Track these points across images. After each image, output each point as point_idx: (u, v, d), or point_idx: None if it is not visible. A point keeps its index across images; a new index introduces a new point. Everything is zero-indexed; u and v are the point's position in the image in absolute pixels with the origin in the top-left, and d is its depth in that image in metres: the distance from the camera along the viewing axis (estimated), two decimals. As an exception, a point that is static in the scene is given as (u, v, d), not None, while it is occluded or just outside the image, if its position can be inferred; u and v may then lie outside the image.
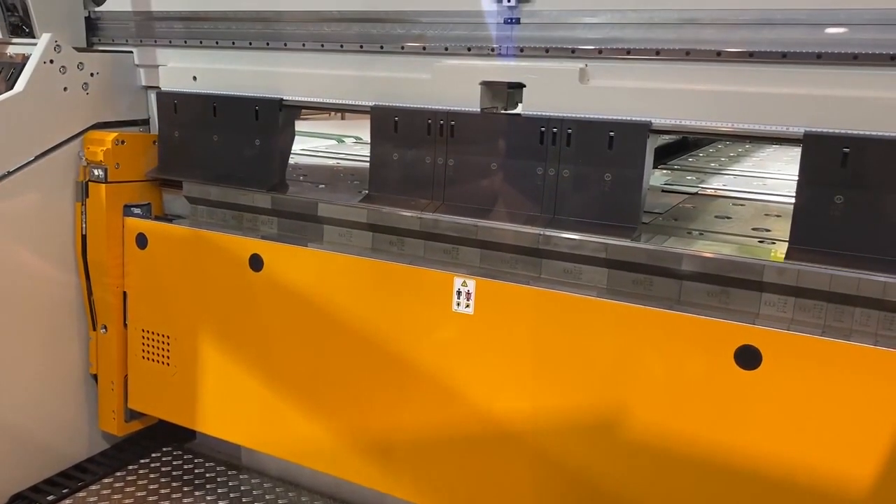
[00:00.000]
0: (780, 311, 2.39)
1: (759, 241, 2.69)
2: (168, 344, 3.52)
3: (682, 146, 5.45)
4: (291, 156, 4.38)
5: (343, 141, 5.39)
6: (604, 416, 2.58)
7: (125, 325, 3.62)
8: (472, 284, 2.75)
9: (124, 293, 3.61)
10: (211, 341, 3.39)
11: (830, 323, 2.32)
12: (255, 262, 3.20)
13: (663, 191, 3.64)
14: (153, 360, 3.57)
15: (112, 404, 3.67)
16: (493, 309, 2.73)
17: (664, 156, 4.88)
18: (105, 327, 3.61)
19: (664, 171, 4.31)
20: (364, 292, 2.98)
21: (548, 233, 2.69)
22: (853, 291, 2.25)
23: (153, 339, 3.56)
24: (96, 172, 3.48)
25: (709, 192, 3.67)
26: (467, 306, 2.77)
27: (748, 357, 2.32)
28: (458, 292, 2.78)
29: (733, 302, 2.46)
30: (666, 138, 5.46)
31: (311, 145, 5.11)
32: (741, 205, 3.36)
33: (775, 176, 4.15)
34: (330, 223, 3.17)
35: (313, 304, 3.09)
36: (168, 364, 3.52)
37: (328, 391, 3.12)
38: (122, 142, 3.52)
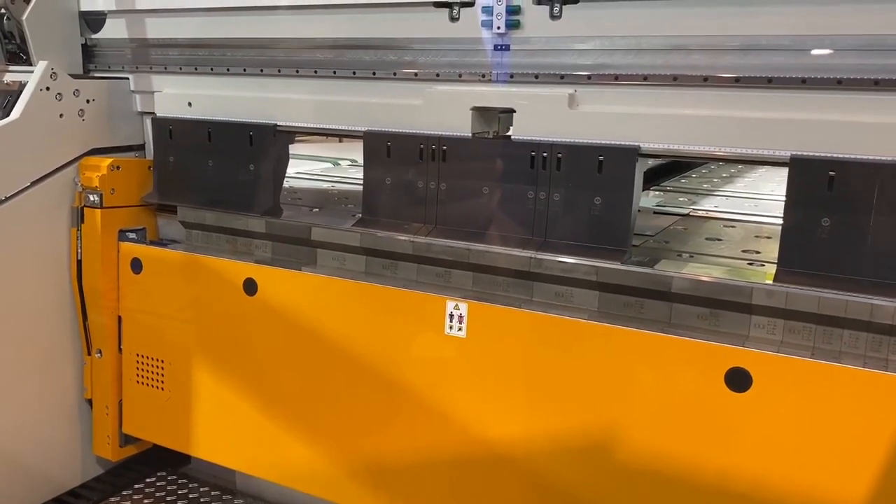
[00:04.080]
0: (769, 333, 2.40)
1: (749, 264, 2.70)
2: (162, 368, 3.51)
3: (675, 167, 5.43)
4: (287, 179, 4.38)
5: (339, 164, 5.40)
6: (596, 438, 2.57)
7: (120, 349, 3.62)
8: (464, 308, 2.75)
9: (119, 318, 3.60)
10: (205, 365, 3.38)
11: (819, 345, 2.34)
12: (250, 287, 3.20)
13: (655, 213, 3.65)
14: (147, 384, 3.56)
15: (106, 429, 3.65)
16: (485, 332, 2.74)
17: (657, 177, 4.88)
18: (100, 352, 3.60)
19: (656, 193, 4.32)
20: (357, 316, 2.99)
21: (539, 256, 2.71)
22: (841, 314, 2.26)
23: (147, 364, 3.55)
24: (91, 198, 3.49)
25: (700, 213, 3.67)
26: (460, 329, 2.77)
27: (738, 379, 2.33)
28: (451, 315, 2.78)
29: (723, 324, 2.46)
30: (659, 160, 5.49)
31: (306, 168, 5.11)
32: (732, 226, 3.37)
33: (767, 197, 4.17)
34: (323, 247, 3.18)
35: (307, 327, 3.09)
36: (162, 388, 3.51)
37: (322, 415, 3.11)
38: (118, 167, 3.54)
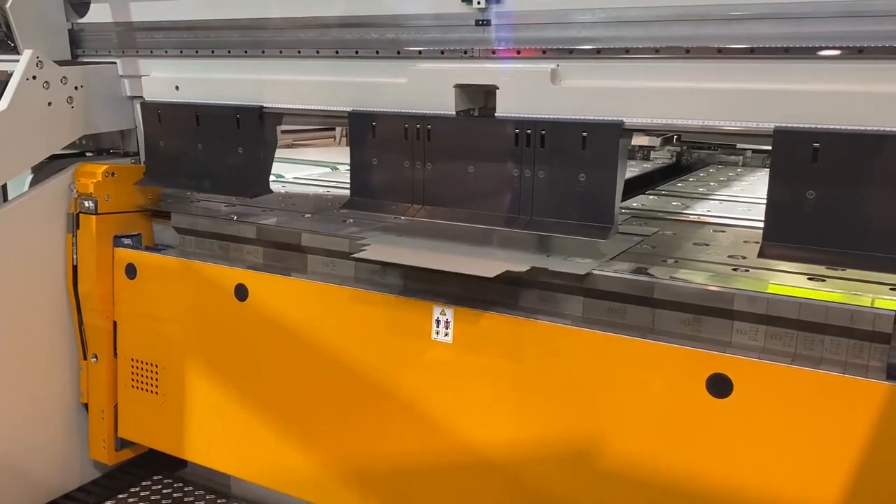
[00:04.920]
0: (751, 339, 2.42)
1: (733, 269, 2.71)
2: (156, 373, 3.68)
3: (675, 170, 5.54)
4: (284, 184, 4.59)
5: (337, 168, 5.52)
6: (580, 443, 2.64)
7: (115, 354, 3.79)
8: (450, 313, 2.83)
9: (114, 323, 3.77)
10: (198, 370, 3.54)
11: (801, 351, 2.35)
12: (241, 292, 3.32)
13: (645, 217, 3.68)
14: (142, 389, 3.73)
15: (102, 433, 3.84)
16: (471, 337, 2.81)
17: (655, 181, 4.98)
18: (95, 356, 3.79)
19: (652, 197, 4.36)
20: (346, 321, 3.08)
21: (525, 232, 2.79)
22: (822, 319, 2.27)
23: (142, 369, 3.72)
24: (87, 204, 3.66)
25: (692, 218, 3.71)
26: (446, 335, 2.85)
27: (720, 385, 2.36)
28: (437, 321, 2.86)
29: (706, 330, 2.50)
30: (658, 163, 5.66)
31: (305, 173, 5.24)
32: (722, 231, 3.40)
33: (762, 201, 4.05)
34: (313, 253, 3.28)
35: (296, 333, 3.20)
36: (157, 393, 3.69)
37: (312, 420, 3.23)
38: (112, 174, 3.69)
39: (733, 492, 2.38)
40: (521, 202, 2.81)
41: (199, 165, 3.57)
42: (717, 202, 4.21)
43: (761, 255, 2.40)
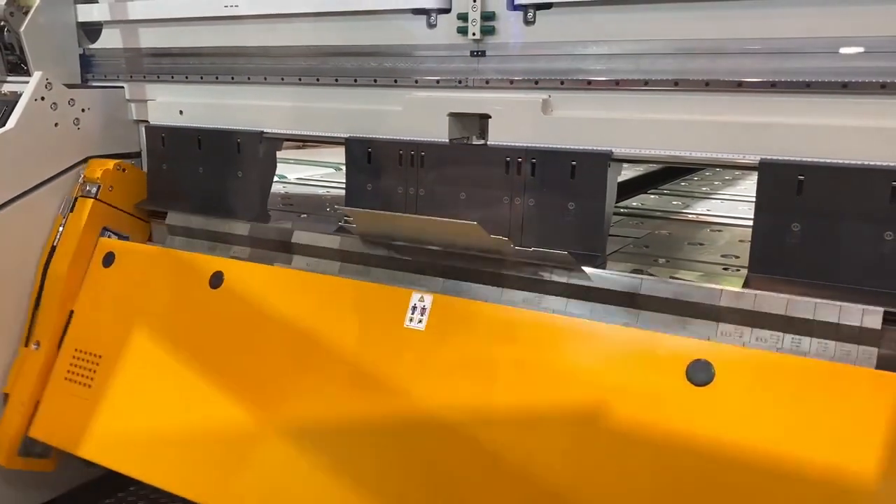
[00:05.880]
0: (736, 339, 2.24)
1: (724, 269, 2.56)
2: (96, 366, 3.18)
3: (681, 168, 5.12)
4: (285, 185, 4.37)
5: (340, 169, 5.27)
6: (559, 431, 2.37)
7: (59, 346, 3.31)
8: (428, 300, 2.59)
9: (71, 312, 3.34)
10: (160, 360, 3.06)
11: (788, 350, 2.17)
12: (216, 279, 3.01)
13: (643, 216, 3.49)
14: (77, 382, 3.21)
15: (9, 430, 3.28)
16: (445, 325, 2.56)
17: (660, 179, 4.71)
18: (38, 344, 3.32)
19: (653, 196, 4.15)
20: (322, 310, 2.81)
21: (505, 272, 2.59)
22: (808, 321, 2.12)
23: (84, 362, 3.22)
24: (88, 188, 3.43)
25: (690, 217, 3.51)
26: (420, 321, 2.59)
27: (700, 372, 2.15)
28: (414, 308, 2.61)
29: (691, 331, 2.31)
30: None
31: (307, 173, 4.99)
32: (719, 230, 3.21)
33: None
34: (299, 252, 3.07)
35: (272, 320, 2.87)
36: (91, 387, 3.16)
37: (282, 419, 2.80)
38: (123, 169, 3.51)
39: (714, 481, 2.12)
40: (510, 228, 2.66)
41: (199, 188, 3.38)
42: (718, 201, 3.99)
43: (747, 286, 2.25)
